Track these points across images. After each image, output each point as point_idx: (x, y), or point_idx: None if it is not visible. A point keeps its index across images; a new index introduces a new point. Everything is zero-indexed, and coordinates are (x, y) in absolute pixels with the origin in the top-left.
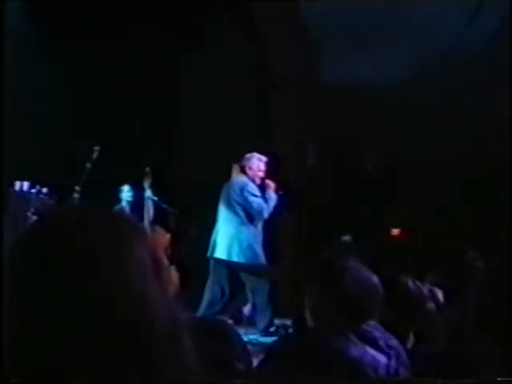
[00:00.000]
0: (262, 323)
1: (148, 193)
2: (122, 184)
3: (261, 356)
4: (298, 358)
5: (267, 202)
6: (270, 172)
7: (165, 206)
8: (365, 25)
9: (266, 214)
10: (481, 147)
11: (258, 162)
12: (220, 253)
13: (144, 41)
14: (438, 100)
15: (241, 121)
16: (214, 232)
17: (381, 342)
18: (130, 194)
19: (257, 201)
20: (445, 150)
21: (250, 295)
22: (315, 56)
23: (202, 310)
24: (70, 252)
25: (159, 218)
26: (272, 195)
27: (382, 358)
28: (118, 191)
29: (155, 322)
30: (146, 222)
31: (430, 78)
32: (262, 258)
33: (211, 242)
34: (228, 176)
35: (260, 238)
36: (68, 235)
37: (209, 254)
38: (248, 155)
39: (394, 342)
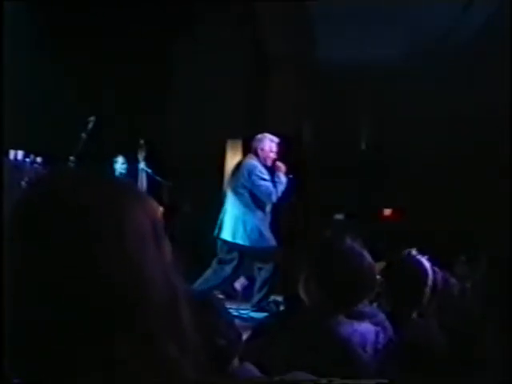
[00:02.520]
0: (256, 298)
1: (142, 165)
2: (116, 155)
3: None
4: (287, 334)
5: (276, 186)
6: (282, 154)
7: (159, 178)
8: (364, 0)
9: (274, 198)
10: (477, 127)
11: (270, 143)
12: (226, 234)
13: (140, 13)
14: (436, 81)
15: (237, 96)
16: (222, 212)
17: (368, 318)
18: (125, 165)
19: (265, 184)
20: (440, 129)
21: (256, 270)
22: (313, 33)
23: (197, 283)
24: (67, 215)
25: (152, 191)
26: (282, 178)
27: (370, 335)
28: (112, 162)
29: (152, 287)
30: None
31: (430, 58)
32: (268, 241)
33: (218, 222)
34: (222, 151)
35: (267, 222)
36: (64, 197)
37: (215, 233)
38: (259, 136)
39: (380, 317)
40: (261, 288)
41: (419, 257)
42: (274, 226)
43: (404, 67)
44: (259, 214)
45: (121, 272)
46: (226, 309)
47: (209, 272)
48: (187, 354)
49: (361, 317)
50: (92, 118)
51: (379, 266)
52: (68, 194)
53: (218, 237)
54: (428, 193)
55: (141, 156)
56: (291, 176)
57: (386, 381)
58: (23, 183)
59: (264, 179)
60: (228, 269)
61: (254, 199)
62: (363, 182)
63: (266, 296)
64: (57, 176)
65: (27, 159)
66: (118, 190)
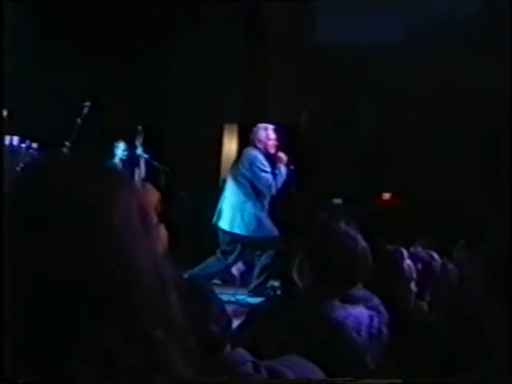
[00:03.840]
0: (253, 284)
1: (139, 150)
2: (113, 141)
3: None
4: (280, 319)
5: (276, 178)
6: (283, 141)
7: (156, 164)
8: None
9: (274, 191)
10: (478, 111)
11: (264, 132)
12: (224, 223)
13: None
14: (435, 63)
15: (236, 82)
16: (221, 200)
17: (363, 302)
18: (126, 152)
19: (265, 176)
20: (442, 111)
21: (256, 257)
22: (312, 18)
23: (198, 268)
24: (55, 201)
25: (150, 176)
26: (282, 170)
27: (365, 319)
28: (113, 147)
29: (140, 273)
30: (137, 180)
31: (429, 40)
32: (268, 231)
33: (217, 210)
34: (219, 138)
35: (266, 211)
36: (53, 183)
37: (214, 221)
38: (254, 128)
39: (375, 301)
40: (260, 274)
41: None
42: (274, 216)
43: (403, 52)
44: (258, 203)
45: (109, 257)
46: (217, 295)
47: (212, 259)
48: (176, 340)
49: (355, 301)
50: (87, 103)
51: None
52: (57, 180)
53: (216, 224)
54: (427, 177)
55: (138, 142)
56: (292, 167)
57: (399, 380)
58: (18, 169)
59: (265, 171)
60: (230, 258)
61: (254, 189)
62: (362, 166)
63: (264, 282)
64: (47, 162)
65: (23, 145)
66: (107, 177)
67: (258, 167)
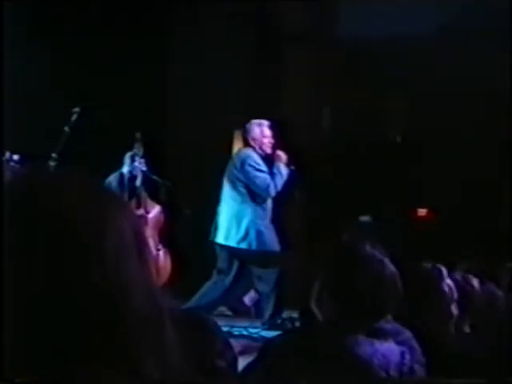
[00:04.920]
0: (266, 314)
1: (137, 162)
2: (106, 151)
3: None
4: (297, 355)
5: (274, 178)
6: (279, 138)
7: (156, 178)
8: None
9: (272, 192)
10: None
11: (258, 129)
12: (219, 237)
13: None
14: (472, 57)
15: (243, 82)
16: (217, 213)
17: (392, 337)
18: (131, 164)
19: (261, 176)
20: (480, 117)
21: (255, 281)
22: (328, 8)
23: (195, 298)
24: (42, 222)
25: (151, 192)
26: (282, 169)
27: (394, 356)
28: (120, 158)
29: (132, 303)
30: (140, 198)
31: (462, 31)
32: (270, 244)
33: (213, 225)
34: (228, 146)
35: (267, 221)
36: (39, 202)
37: (211, 237)
38: (247, 125)
39: (406, 335)
40: (266, 302)
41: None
42: (277, 226)
43: (436, 42)
44: (258, 211)
45: (99, 287)
46: (219, 328)
47: (208, 284)
48: (171, 379)
49: (383, 335)
50: (76, 109)
51: None
52: (43, 199)
53: (213, 241)
54: (467, 190)
55: (138, 151)
56: (293, 167)
57: None
58: None
59: (260, 170)
60: (227, 280)
61: (252, 194)
62: (393, 177)
63: (278, 311)
64: (30, 178)
65: (2, 157)
66: (98, 196)
67: (252, 166)
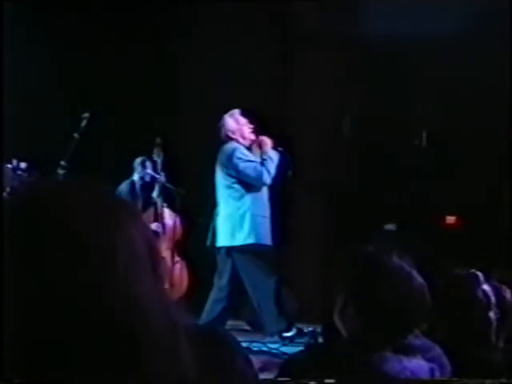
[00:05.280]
0: (271, 326)
1: (149, 169)
2: (116, 158)
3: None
4: (320, 373)
5: (265, 165)
6: (258, 125)
7: (169, 185)
8: None
9: (267, 179)
10: None
11: (232, 119)
12: (222, 239)
13: None
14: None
15: (260, 85)
16: (214, 216)
17: (421, 353)
18: (143, 172)
19: (251, 165)
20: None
21: (249, 290)
22: (349, 4)
23: (205, 311)
24: (50, 235)
25: (168, 201)
26: (270, 154)
27: (423, 374)
28: (130, 166)
29: (147, 320)
30: (156, 207)
31: (494, 28)
32: (268, 238)
33: (210, 229)
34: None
35: (266, 211)
36: (47, 215)
37: (208, 243)
38: (220, 121)
39: (436, 351)
40: (266, 311)
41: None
42: (276, 218)
43: (459, 43)
44: (257, 203)
45: (111, 302)
46: (238, 343)
47: (211, 294)
48: None
49: (411, 351)
50: (86, 114)
51: None
52: (51, 211)
53: (212, 246)
54: (498, 196)
55: (157, 157)
56: (281, 149)
57: None
58: (5, 194)
59: (249, 160)
60: (223, 281)
61: (246, 186)
62: (419, 182)
63: (288, 325)
64: (38, 188)
65: (9, 165)
66: (109, 207)
67: (240, 158)
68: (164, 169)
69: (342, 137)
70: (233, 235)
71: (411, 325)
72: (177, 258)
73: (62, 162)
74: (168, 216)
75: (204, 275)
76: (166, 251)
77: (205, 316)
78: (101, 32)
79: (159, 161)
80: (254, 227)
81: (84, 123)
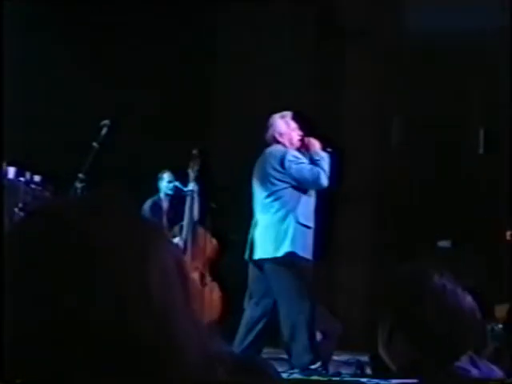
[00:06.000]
0: (298, 358)
1: (192, 183)
2: (141, 171)
3: None
4: None
5: (320, 165)
6: (307, 128)
7: (202, 200)
8: None
9: (324, 180)
10: None
11: (283, 121)
12: (258, 252)
13: None
14: None
15: (304, 90)
16: (252, 227)
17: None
18: (172, 184)
19: (306, 167)
20: None
21: (281, 312)
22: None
23: (238, 336)
24: (72, 260)
25: (204, 218)
26: (322, 154)
27: None
28: (157, 179)
29: (179, 349)
30: (187, 223)
31: None
32: (309, 251)
33: (248, 241)
34: None
35: (311, 221)
36: (68, 238)
37: (246, 256)
38: (269, 121)
39: (496, 374)
40: (295, 335)
41: None
42: (320, 233)
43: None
44: (304, 214)
45: (140, 331)
46: (278, 373)
47: (245, 313)
48: None
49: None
50: (106, 122)
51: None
52: (78, 233)
53: (249, 259)
54: None
55: (192, 171)
56: (330, 150)
57: None
58: (17, 210)
59: (302, 162)
60: (266, 302)
61: (293, 194)
62: (476, 194)
63: (316, 356)
64: (61, 207)
65: (21, 178)
66: (140, 227)
67: (292, 161)
68: (195, 181)
69: (392, 141)
70: (275, 246)
71: (462, 347)
72: (208, 280)
73: (80, 175)
74: (198, 233)
75: (238, 298)
76: (195, 272)
77: (238, 342)
78: (124, 32)
79: (192, 174)
80: (298, 238)
81: (104, 131)
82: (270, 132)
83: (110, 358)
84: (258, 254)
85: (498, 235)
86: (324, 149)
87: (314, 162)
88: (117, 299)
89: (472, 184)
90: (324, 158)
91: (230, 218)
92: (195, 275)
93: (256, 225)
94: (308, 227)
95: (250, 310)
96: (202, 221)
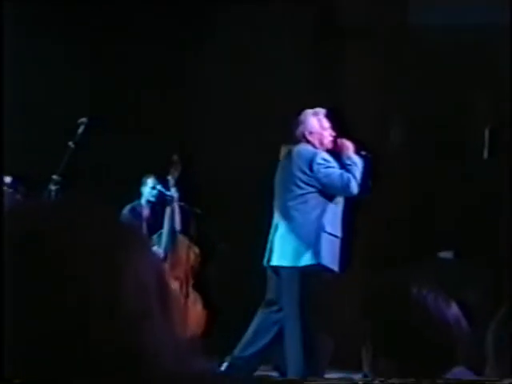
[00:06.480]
0: (292, 369)
1: (173, 190)
2: (121, 174)
3: None
4: None
5: (351, 171)
6: (339, 128)
7: (188, 207)
8: None
9: (354, 188)
10: None
11: (316, 119)
12: (275, 258)
13: None
14: None
15: (297, 86)
16: (272, 230)
17: None
18: (155, 191)
19: (336, 172)
20: None
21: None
22: None
23: (237, 349)
24: (43, 266)
25: (186, 226)
26: (354, 159)
27: None
28: (138, 184)
29: (159, 367)
30: (167, 231)
31: None
32: (335, 263)
33: (268, 246)
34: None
35: (339, 230)
36: (40, 244)
37: (265, 261)
38: (300, 117)
39: None
40: (292, 352)
41: None
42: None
43: None
44: (331, 222)
45: (111, 332)
46: None
47: (253, 325)
48: None
49: None
50: (83, 120)
51: None
52: (50, 239)
53: (267, 265)
54: None
55: (173, 178)
56: (365, 153)
57: None
58: None
59: (332, 167)
60: (273, 315)
61: (325, 196)
62: (477, 201)
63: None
64: (32, 211)
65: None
66: (116, 232)
67: (321, 164)
68: (178, 186)
69: (391, 143)
70: (296, 255)
71: (449, 358)
72: (190, 290)
73: (55, 177)
74: (179, 241)
75: (223, 311)
76: (175, 282)
77: (242, 348)
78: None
79: (173, 180)
80: (325, 248)
81: (81, 130)
82: (300, 129)
83: (82, 363)
84: (277, 261)
85: (506, 246)
86: (358, 151)
87: (345, 166)
88: (84, 305)
89: (476, 190)
90: (356, 164)
91: (217, 225)
92: (176, 285)
93: (277, 229)
94: (336, 237)
95: (264, 317)
96: (183, 228)
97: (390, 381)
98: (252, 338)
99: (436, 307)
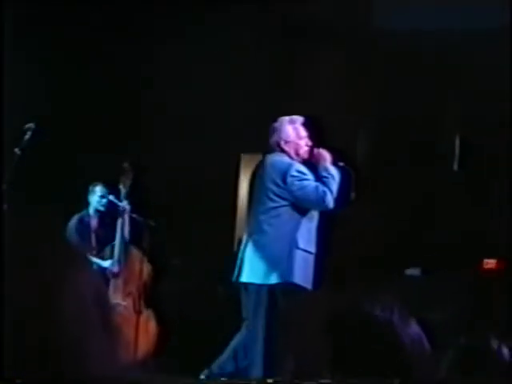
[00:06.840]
0: (254, 368)
1: (123, 199)
2: (68, 182)
3: None
4: None
5: (328, 184)
6: (317, 137)
7: (137, 217)
8: None
9: (330, 202)
10: None
11: (292, 128)
12: (246, 275)
13: None
14: None
15: (260, 89)
16: (243, 245)
17: None
18: (104, 200)
19: (311, 185)
20: None
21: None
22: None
23: (213, 367)
24: None
25: (136, 238)
26: (331, 171)
27: None
28: (87, 192)
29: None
30: (119, 244)
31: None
32: (309, 280)
33: (237, 262)
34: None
35: (313, 246)
36: None
37: (234, 278)
38: (275, 124)
39: None
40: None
41: None
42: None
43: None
44: (305, 237)
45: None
46: None
47: (234, 343)
48: None
49: None
50: (31, 125)
51: None
52: None
53: (237, 281)
54: None
55: (124, 187)
56: (342, 164)
57: None
58: None
59: (307, 179)
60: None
61: (298, 211)
62: (445, 218)
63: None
64: None
65: None
66: (57, 248)
67: (295, 176)
68: (129, 197)
69: (358, 152)
70: (267, 272)
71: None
72: (142, 307)
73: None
74: (132, 254)
75: (180, 328)
76: (127, 298)
77: (225, 362)
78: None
79: (124, 190)
80: (297, 265)
81: (28, 136)
82: (275, 138)
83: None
84: (246, 278)
85: (475, 263)
86: (335, 162)
87: (321, 179)
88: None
89: (445, 204)
90: (334, 176)
91: (171, 239)
92: (128, 301)
93: (247, 243)
94: (310, 253)
95: (245, 333)
96: (136, 241)
97: None
98: (232, 354)
99: (397, 325)
